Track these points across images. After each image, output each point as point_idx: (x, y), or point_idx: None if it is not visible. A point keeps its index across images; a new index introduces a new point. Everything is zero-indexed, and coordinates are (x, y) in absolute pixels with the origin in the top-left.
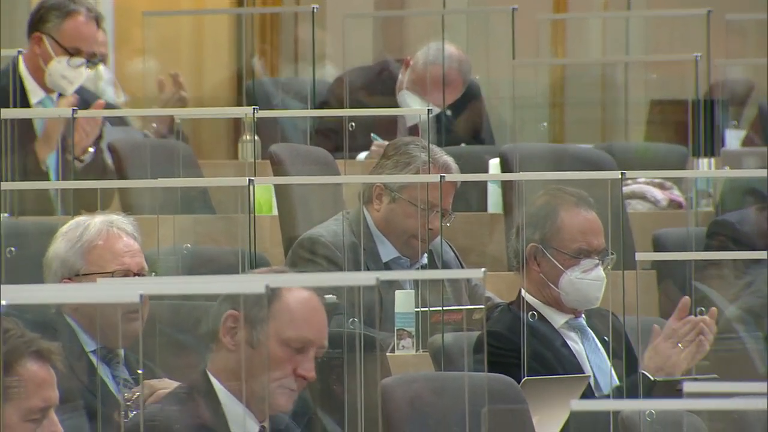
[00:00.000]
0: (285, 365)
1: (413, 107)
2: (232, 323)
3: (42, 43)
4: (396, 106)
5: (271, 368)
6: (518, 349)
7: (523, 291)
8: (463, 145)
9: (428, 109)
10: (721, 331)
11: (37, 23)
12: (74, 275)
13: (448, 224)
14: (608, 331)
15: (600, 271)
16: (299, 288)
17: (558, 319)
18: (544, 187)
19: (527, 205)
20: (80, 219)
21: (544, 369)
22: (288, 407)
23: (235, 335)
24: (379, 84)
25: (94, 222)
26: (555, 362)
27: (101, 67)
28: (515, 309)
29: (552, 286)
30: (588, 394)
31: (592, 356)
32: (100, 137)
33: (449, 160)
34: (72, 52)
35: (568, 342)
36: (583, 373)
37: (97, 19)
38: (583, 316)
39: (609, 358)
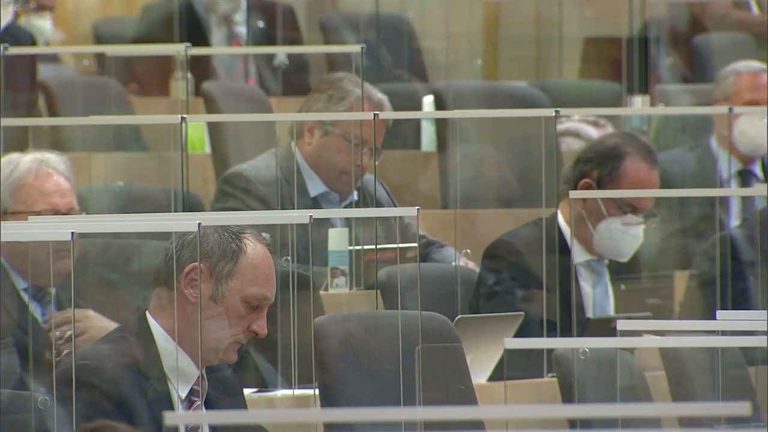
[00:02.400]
0: (242, 321)
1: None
2: (195, 276)
3: None
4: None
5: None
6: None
7: (559, 217)
8: None
9: (361, 47)
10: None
11: None
12: (2, 213)
13: (376, 162)
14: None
15: (639, 231)
16: (255, 242)
17: (579, 256)
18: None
19: (594, 141)
20: (12, 156)
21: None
22: (236, 360)
23: (197, 288)
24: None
25: (25, 160)
26: (560, 296)
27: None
28: (542, 225)
29: (589, 225)
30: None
31: (599, 303)
32: None
33: (383, 98)
34: None
35: (581, 282)
36: (586, 315)
37: None
38: (606, 261)
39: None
